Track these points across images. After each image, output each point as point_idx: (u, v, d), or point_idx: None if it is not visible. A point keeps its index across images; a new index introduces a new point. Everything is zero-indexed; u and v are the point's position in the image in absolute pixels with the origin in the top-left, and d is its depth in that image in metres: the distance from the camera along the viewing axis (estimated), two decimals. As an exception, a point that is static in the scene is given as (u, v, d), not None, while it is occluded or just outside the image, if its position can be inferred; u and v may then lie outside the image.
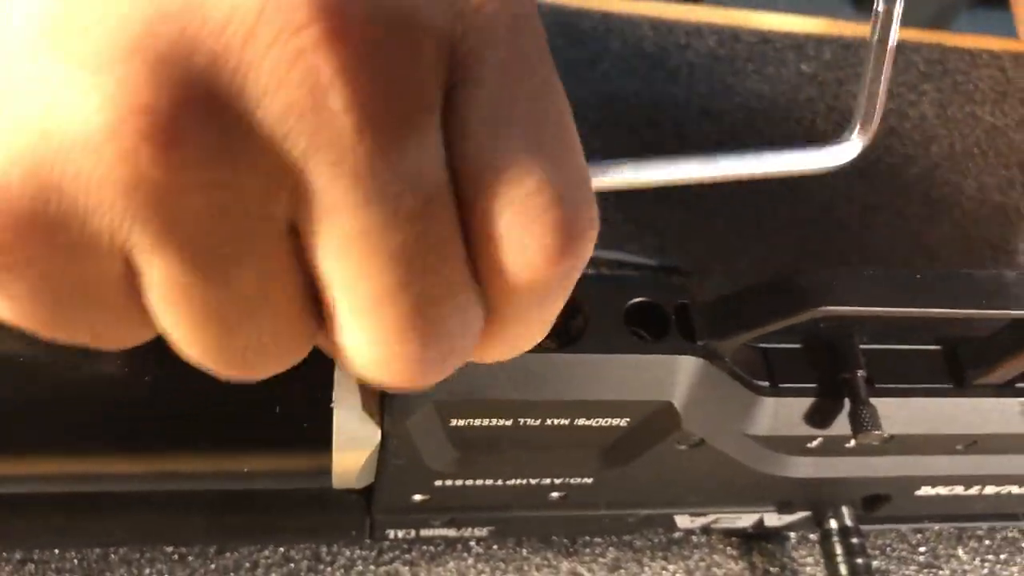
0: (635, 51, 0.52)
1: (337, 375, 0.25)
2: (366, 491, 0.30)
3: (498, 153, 0.17)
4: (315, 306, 0.19)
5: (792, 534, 0.37)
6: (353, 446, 0.26)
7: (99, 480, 0.26)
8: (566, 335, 0.26)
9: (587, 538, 0.36)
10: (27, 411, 0.24)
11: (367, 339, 0.18)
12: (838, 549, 0.33)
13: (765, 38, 0.54)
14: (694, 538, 0.37)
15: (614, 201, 0.45)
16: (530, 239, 0.18)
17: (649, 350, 0.25)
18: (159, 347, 0.25)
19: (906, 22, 0.27)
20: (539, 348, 0.24)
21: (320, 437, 0.26)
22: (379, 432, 0.26)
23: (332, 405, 0.26)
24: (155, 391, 0.25)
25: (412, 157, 0.17)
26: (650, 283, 0.27)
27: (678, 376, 0.25)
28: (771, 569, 0.36)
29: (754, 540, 0.37)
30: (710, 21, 0.54)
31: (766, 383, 0.28)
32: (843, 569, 0.33)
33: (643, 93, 0.50)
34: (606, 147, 0.47)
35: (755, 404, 0.28)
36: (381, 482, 0.28)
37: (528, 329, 0.20)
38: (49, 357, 0.25)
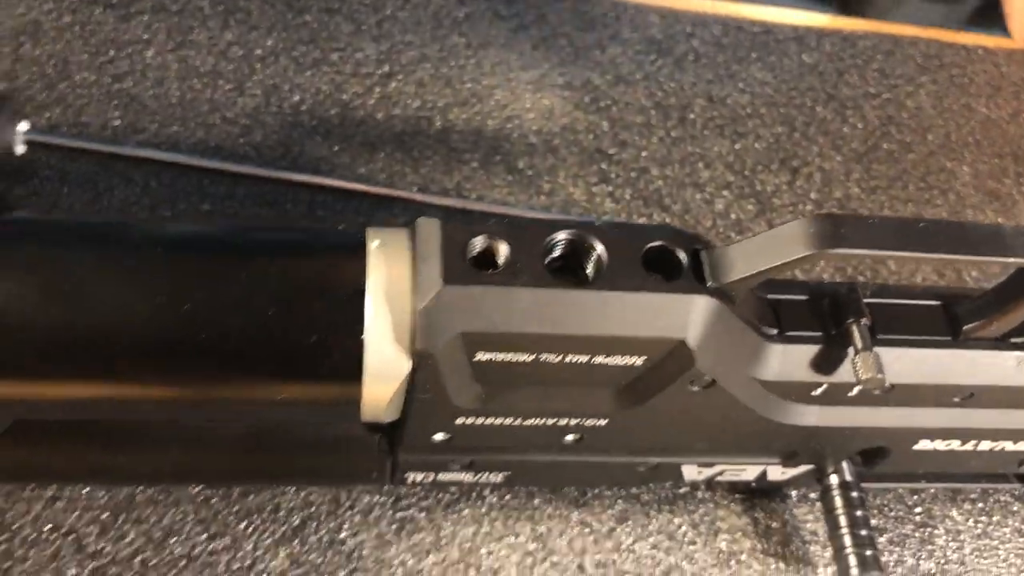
0: (643, 37, 0.53)
1: (368, 306, 0.27)
2: (389, 433, 0.31)
3: None
4: None
5: (793, 493, 0.39)
6: (383, 376, 0.27)
7: (134, 406, 0.27)
8: (586, 275, 0.27)
9: (596, 491, 0.37)
10: (66, 336, 0.25)
11: None
12: (838, 503, 0.35)
13: (768, 29, 0.56)
14: (698, 494, 0.38)
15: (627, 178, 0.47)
16: None
17: (664, 289, 0.27)
18: (197, 277, 0.26)
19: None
20: (561, 285, 0.26)
21: (351, 368, 0.27)
22: (409, 363, 0.27)
23: (363, 337, 0.27)
24: (191, 320, 0.26)
25: None
26: (666, 231, 0.28)
27: (692, 315, 0.27)
28: (772, 525, 0.38)
29: (756, 497, 0.38)
30: (715, 12, 0.56)
31: (774, 331, 0.30)
32: (843, 521, 0.34)
33: (651, 77, 0.52)
34: (613, 127, 0.49)
35: (764, 349, 0.29)
36: (406, 419, 0.29)
37: None
38: (90, 286, 0.26)
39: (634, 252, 0.27)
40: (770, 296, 0.31)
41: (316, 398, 0.28)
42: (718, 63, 0.54)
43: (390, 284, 0.27)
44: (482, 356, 0.27)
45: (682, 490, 0.38)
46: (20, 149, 0.39)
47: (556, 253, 0.27)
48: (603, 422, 0.30)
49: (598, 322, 0.27)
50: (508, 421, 0.30)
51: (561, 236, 0.27)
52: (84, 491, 0.34)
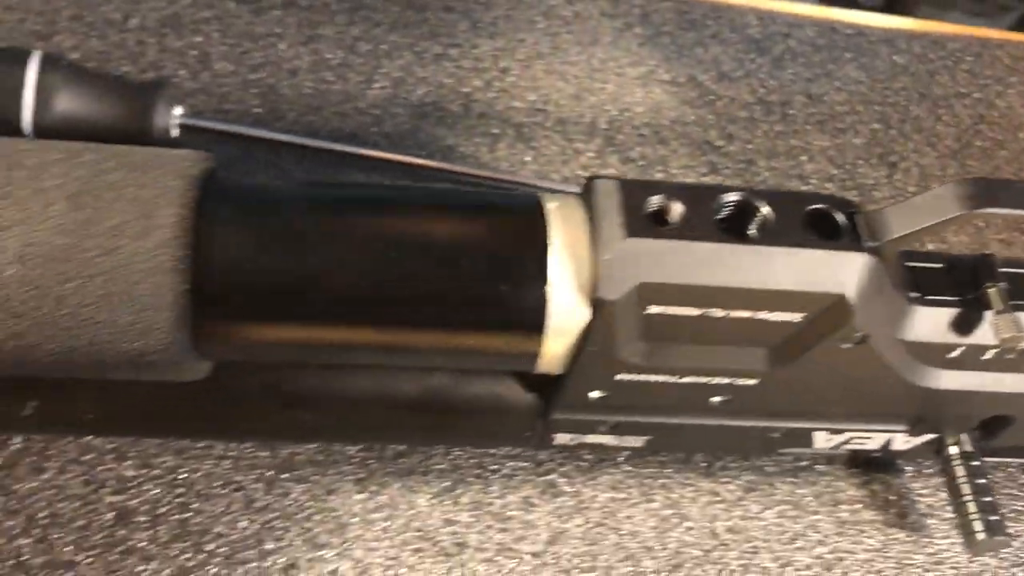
0: (743, 37, 0.55)
1: (552, 260, 0.29)
2: (546, 394, 0.34)
3: None
4: None
5: (908, 469, 0.40)
6: (564, 326, 0.29)
7: (344, 350, 0.29)
8: (752, 233, 0.29)
9: (723, 463, 0.39)
10: (285, 282, 0.28)
11: None
12: (960, 471, 0.36)
13: (860, 31, 0.58)
14: (818, 467, 0.40)
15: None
16: None
17: (826, 247, 0.29)
18: (397, 233, 0.28)
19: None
20: (732, 240, 0.28)
21: (535, 318, 0.29)
22: (588, 313, 0.29)
23: (547, 288, 0.29)
24: (392, 271, 0.29)
25: None
26: (823, 197, 0.30)
27: (851, 272, 0.29)
28: (890, 497, 0.39)
29: (874, 471, 0.40)
30: (809, 14, 0.58)
31: (916, 295, 0.32)
32: (966, 488, 0.36)
33: (752, 74, 0.54)
34: (720, 120, 0.51)
35: (908, 310, 0.31)
36: (569, 374, 0.31)
37: None
38: (307, 238, 0.28)
39: (796, 213, 0.29)
40: (909, 264, 0.33)
41: (501, 347, 0.30)
42: (814, 62, 0.56)
43: (570, 240, 0.29)
44: (654, 309, 0.29)
45: (803, 463, 0.40)
46: (175, 132, 0.41)
47: (725, 212, 0.29)
48: (752, 382, 0.32)
49: (764, 276, 0.29)
50: (665, 379, 0.32)
51: (730, 197, 0.29)
52: (249, 451, 0.36)
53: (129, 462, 0.35)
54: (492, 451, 0.38)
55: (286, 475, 0.36)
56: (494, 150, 0.47)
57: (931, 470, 0.40)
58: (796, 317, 0.30)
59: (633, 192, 0.29)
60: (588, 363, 0.30)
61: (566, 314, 0.29)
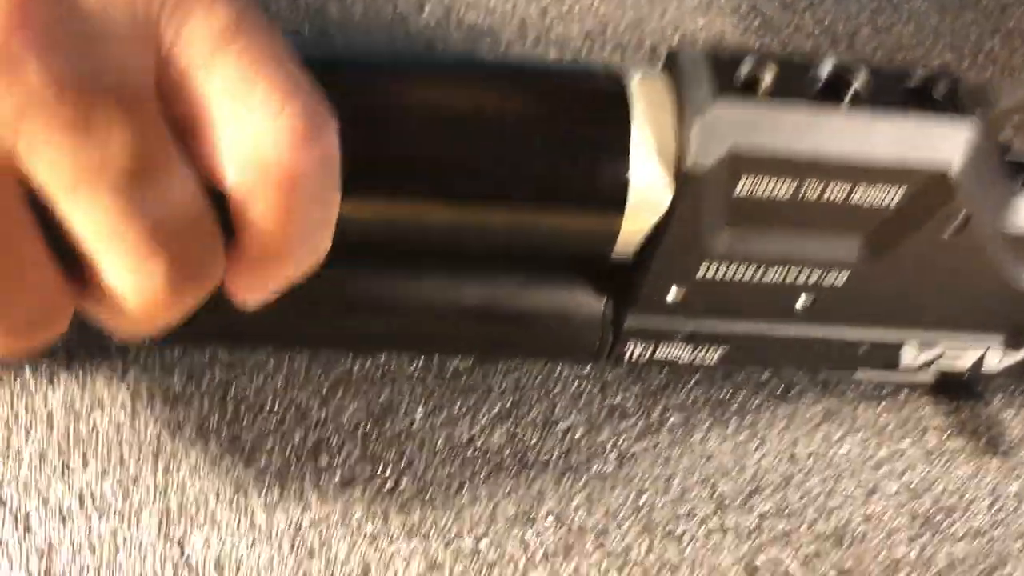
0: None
1: (635, 130, 0.27)
2: (617, 299, 0.31)
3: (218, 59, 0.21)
4: (70, 274, 0.21)
5: (995, 401, 0.38)
6: (649, 198, 0.27)
7: (422, 227, 0.27)
8: (852, 99, 0.27)
9: (801, 387, 0.37)
10: (365, 156, 0.26)
11: (124, 267, 0.21)
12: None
13: (927, -35, 0.56)
14: (901, 395, 0.37)
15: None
16: (277, 124, 0.21)
17: (930, 114, 0.27)
18: (476, 105, 0.26)
19: None
20: (829, 105, 0.25)
21: (617, 190, 0.27)
22: (672, 187, 0.27)
23: (628, 159, 0.27)
24: (472, 144, 0.27)
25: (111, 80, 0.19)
26: (924, 68, 0.28)
27: (955, 141, 0.27)
28: (979, 426, 0.37)
29: (961, 400, 0.37)
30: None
31: (1020, 185, 0.29)
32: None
33: (816, 5, 0.51)
34: (785, 49, 0.49)
35: (1013, 199, 0.29)
36: (648, 266, 0.29)
37: (287, 246, 0.23)
38: (386, 111, 0.26)
39: (896, 82, 0.28)
40: (1010, 158, 0.30)
41: (579, 224, 0.28)
42: (882, -6, 0.53)
43: (654, 111, 0.27)
44: (744, 185, 0.27)
45: (885, 391, 0.37)
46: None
47: (821, 81, 0.27)
48: (843, 278, 0.30)
49: (863, 145, 0.27)
50: (749, 274, 0.29)
51: (826, 65, 0.27)
52: (302, 367, 0.34)
53: (176, 377, 0.33)
54: (556, 372, 0.36)
55: (341, 391, 0.34)
56: (551, 75, 0.45)
57: (1021, 399, 0.38)
58: (895, 195, 0.28)
59: (722, 59, 0.27)
60: (671, 250, 0.28)
61: (649, 190, 0.27)
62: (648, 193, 0.27)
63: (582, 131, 0.27)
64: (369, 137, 0.26)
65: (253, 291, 0.24)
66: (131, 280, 0.21)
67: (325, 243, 0.24)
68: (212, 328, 0.32)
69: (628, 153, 0.27)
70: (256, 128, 0.21)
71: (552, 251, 0.30)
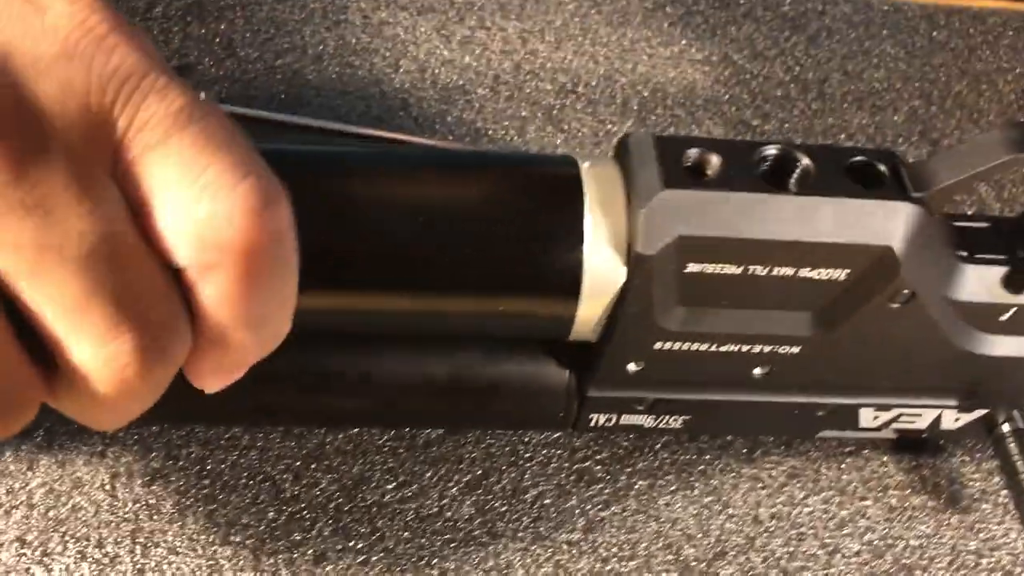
0: (776, 15, 0.54)
1: (587, 217, 0.28)
2: (579, 371, 0.32)
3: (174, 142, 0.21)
4: (38, 363, 0.22)
5: (958, 453, 0.39)
6: (601, 285, 0.28)
7: (373, 316, 0.28)
8: (795, 183, 0.28)
9: (765, 448, 0.38)
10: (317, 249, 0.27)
11: (91, 344, 0.21)
12: (1014, 448, 0.35)
13: (897, 7, 0.56)
14: (865, 452, 0.38)
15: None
16: (231, 199, 0.21)
17: (870, 196, 0.28)
18: (426, 197, 0.27)
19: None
20: (773, 191, 0.27)
21: (570, 278, 0.28)
22: (625, 271, 0.28)
23: (583, 246, 0.28)
24: (422, 235, 0.28)
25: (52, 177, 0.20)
26: (864, 150, 0.29)
27: (897, 222, 0.28)
28: (941, 482, 0.38)
29: (922, 456, 0.38)
30: (843, -9, 0.56)
31: (964, 253, 0.30)
32: (1021, 466, 0.34)
33: (787, 52, 0.52)
34: (755, 99, 0.50)
35: (957, 268, 0.30)
36: (605, 345, 0.30)
37: (245, 326, 0.23)
38: (337, 204, 0.27)
39: (838, 165, 0.28)
40: (955, 224, 0.31)
41: (536, 309, 0.29)
42: (851, 39, 0.54)
43: (605, 198, 0.28)
44: (693, 267, 0.28)
45: (848, 448, 0.38)
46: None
47: (764, 166, 0.28)
48: (796, 350, 0.31)
49: (807, 228, 0.28)
50: (704, 347, 0.30)
51: (769, 150, 0.28)
52: (276, 441, 0.35)
53: (155, 453, 0.34)
54: (525, 439, 0.37)
55: (314, 465, 0.35)
56: (524, 133, 0.46)
57: (981, 454, 0.39)
58: (841, 274, 0.29)
59: (669, 145, 0.28)
60: (626, 329, 0.29)
61: (602, 274, 0.28)
62: (601, 278, 0.28)
63: (535, 220, 0.28)
64: (325, 231, 0.27)
65: (213, 375, 0.25)
66: (99, 356, 0.21)
67: (284, 324, 0.24)
68: (182, 409, 0.33)
69: (581, 241, 0.28)
70: (210, 205, 0.21)
71: (510, 335, 0.31)
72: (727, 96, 0.49)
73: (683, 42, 0.52)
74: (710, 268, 0.28)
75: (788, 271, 0.29)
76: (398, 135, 0.42)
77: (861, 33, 0.55)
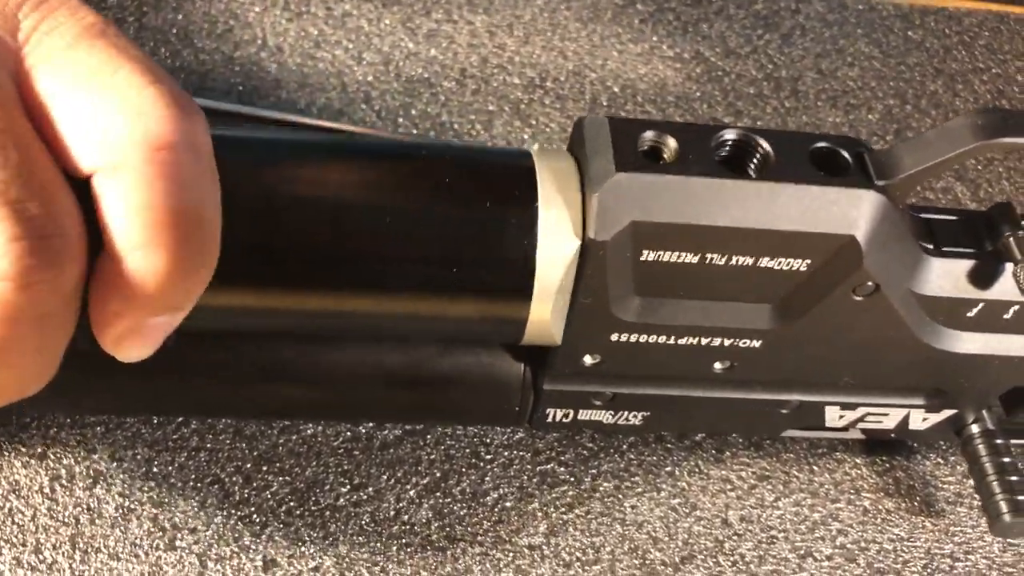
0: (749, 12, 0.53)
1: (540, 206, 0.26)
2: (534, 364, 0.31)
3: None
4: None
5: (931, 456, 0.38)
6: (553, 280, 0.27)
7: (308, 316, 0.27)
8: (755, 169, 0.27)
9: (734, 449, 0.37)
10: (261, 243, 0.25)
11: None
12: (983, 450, 0.34)
13: (871, 6, 0.56)
14: (837, 454, 0.37)
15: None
16: (144, 96, 0.20)
17: (834, 183, 0.27)
18: (375, 190, 0.26)
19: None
20: (731, 176, 0.26)
21: (522, 273, 0.27)
22: (576, 258, 0.27)
23: (536, 233, 0.27)
24: (355, 226, 0.26)
25: None
26: (828, 136, 0.28)
27: (860, 211, 0.27)
28: (914, 485, 0.37)
29: (895, 459, 0.37)
30: (818, -11, 0.56)
31: (930, 246, 0.29)
32: (989, 468, 0.33)
33: (760, 51, 0.51)
34: (727, 97, 0.49)
35: (922, 261, 0.29)
36: (564, 333, 0.29)
37: (155, 246, 0.20)
38: (283, 195, 0.26)
39: (800, 151, 0.27)
40: (923, 216, 0.30)
41: (487, 310, 0.28)
42: (825, 38, 0.53)
43: (558, 186, 0.27)
44: (648, 255, 0.27)
45: (820, 450, 0.37)
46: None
47: (723, 151, 0.27)
48: (757, 344, 0.30)
49: (767, 215, 0.26)
50: (662, 340, 0.29)
51: (728, 135, 0.27)
52: (226, 443, 0.34)
53: (98, 455, 0.33)
54: (487, 440, 0.35)
55: (265, 467, 0.34)
56: (490, 128, 0.45)
57: (956, 457, 0.38)
58: (802, 264, 0.27)
59: (624, 128, 0.27)
60: (581, 320, 0.28)
61: (556, 266, 0.27)
62: (553, 271, 0.27)
63: (485, 211, 0.27)
64: (258, 222, 0.26)
65: (124, 328, 0.21)
66: None
67: (202, 264, 0.21)
68: (125, 397, 0.32)
69: (535, 231, 0.27)
70: (119, 103, 0.20)
71: (462, 337, 0.29)
72: (699, 93, 0.48)
73: (654, 39, 0.51)
74: (666, 256, 0.27)
75: (747, 260, 0.27)
76: (359, 129, 0.41)
77: (835, 32, 0.54)
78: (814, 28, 0.54)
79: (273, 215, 0.26)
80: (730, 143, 0.27)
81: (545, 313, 0.28)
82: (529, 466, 0.35)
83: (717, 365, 0.31)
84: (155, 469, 0.33)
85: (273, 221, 0.26)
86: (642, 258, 0.27)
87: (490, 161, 0.28)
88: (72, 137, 0.20)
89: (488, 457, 0.35)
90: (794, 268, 0.28)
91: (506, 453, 0.35)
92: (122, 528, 0.32)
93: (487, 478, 0.34)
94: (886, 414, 0.34)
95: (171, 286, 0.21)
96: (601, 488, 0.35)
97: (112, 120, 0.20)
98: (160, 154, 0.20)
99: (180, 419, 0.34)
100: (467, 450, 0.35)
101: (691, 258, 0.27)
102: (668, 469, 0.36)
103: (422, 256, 0.27)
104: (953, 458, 0.38)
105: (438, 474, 0.34)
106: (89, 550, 0.31)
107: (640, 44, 0.50)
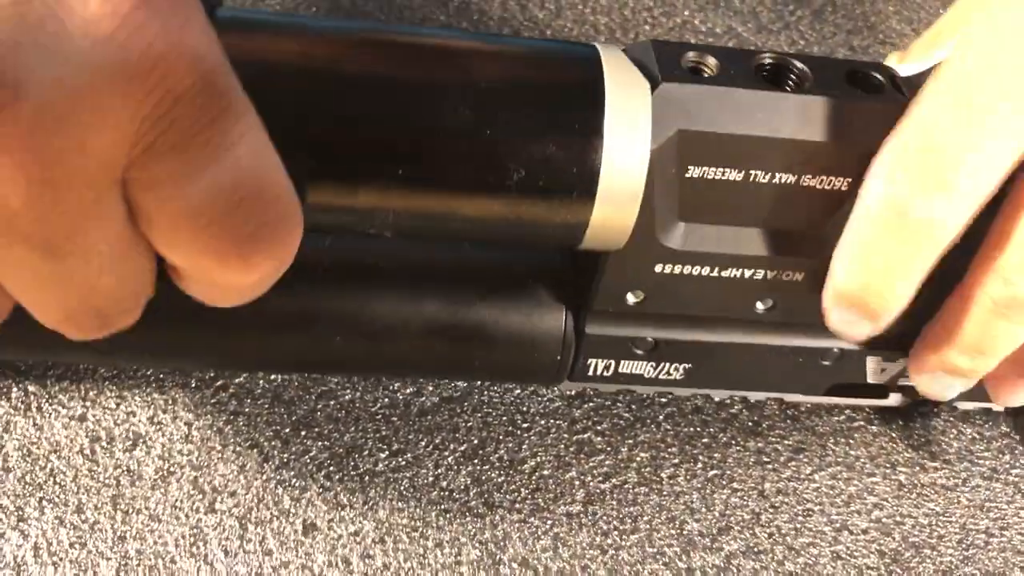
0: (781, -12, 0.53)
1: (608, 107, 0.26)
2: (575, 310, 0.31)
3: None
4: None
5: (966, 434, 0.38)
6: (619, 178, 0.27)
7: (373, 214, 0.26)
8: (793, 86, 0.27)
9: (771, 421, 0.36)
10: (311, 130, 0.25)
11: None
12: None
13: (903, -17, 0.55)
14: (873, 427, 0.37)
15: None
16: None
17: (870, 99, 0.27)
18: (426, 76, 0.25)
19: None
20: (773, 89, 0.26)
21: (588, 175, 0.26)
22: (647, 164, 0.26)
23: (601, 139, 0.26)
24: (417, 116, 0.26)
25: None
26: (862, 62, 0.28)
27: None
28: (950, 460, 0.37)
29: (931, 432, 0.37)
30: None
31: None
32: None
33: (792, 27, 0.51)
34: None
35: None
36: (604, 268, 0.29)
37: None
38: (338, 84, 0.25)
39: (836, 72, 0.28)
40: None
41: (542, 218, 0.27)
42: (856, 15, 0.53)
43: (625, 80, 0.27)
44: (693, 171, 0.27)
45: (856, 423, 0.37)
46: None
47: (763, 70, 0.28)
48: (799, 276, 0.30)
49: (807, 127, 0.27)
50: (705, 271, 0.29)
51: (767, 57, 0.28)
52: (265, 407, 0.34)
53: (137, 418, 0.33)
54: (523, 408, 0.35)
55: (304, 432, 0.34)
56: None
57: (991, 432, 0.38)
58: (843, 183, 0.28)
59: (667, 48, 0.27)
60: (626, 248, 0.28)
61: (624, 165, 0.26)
62: (621, 168, 0.27)
63: (551, 106, 0.26)
64: (316, 110, 0.25)
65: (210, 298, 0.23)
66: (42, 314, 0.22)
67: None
68: (168, 349, 0.31)
69: (600, 134, 0.26)
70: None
71: (523, 232, 0.28)
72: (731, 68, 0.48)
73: (686, 13, 0.50)
74: (711, 172, 0.27)
75: (790, 178, 0.28)
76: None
77: (867, 9, 0.54)
78: (845, 5, 0.53)
79: (340, 110, 0.25)
80: (768, 63, 0.28)
81: (615, 202, 0.27)
82: (566, 435, 0.35)
83: (759, 305, 0.31)
84: (194, 433, 0.33)
85: (340, 116, 0.25)
86: (687, 174, 0.27)
87: (556, 51, 0.28)
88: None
89: (525, 425, 0.35)
90: (835, 187, 0.28)
91: (543, 422, 0.35)
92: (162, 490, 0.32)
93: (524, 446, 0.34)
94: None
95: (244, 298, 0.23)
96: (638, 458, 0.35)
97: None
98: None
99: (218, 383, 0.34)
100: (504, 418, 0.35)
101: (735, 175, 0.27)
102: (704, 441, 0.36)
103: (490, 139, 0.26)
104: (989, 433, 0.38)
105: (476, 441, 0.34)
106: (130, 511, 0.31)
107: (672, 19, 0.50)
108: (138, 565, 0.30)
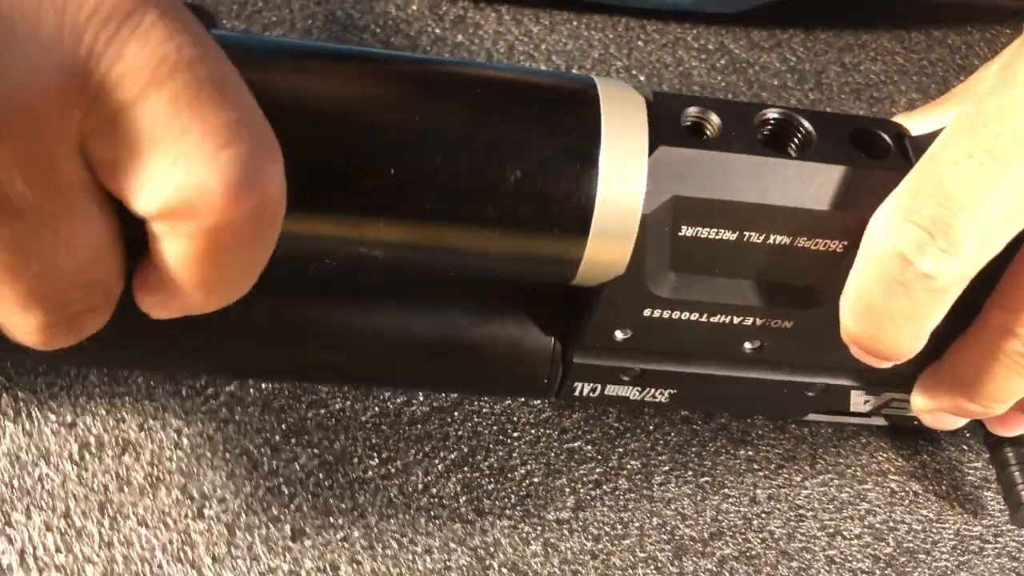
0: (772, 6, 0.53)
1: (603, 145, 0.26)
2: (564, 337, 0.31)
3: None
4: None
5: (954, 445, 0.37)
6: (612, 227, 0.26)
7: (369, 244, 0.26)
8: (796, 148, 0.27)
9: (760, 431, 0.36)
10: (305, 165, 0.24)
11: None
12: (1005, 441, 0.34)
13: (894, 2, 0.56)
14: (862, 438, 0.37)
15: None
16: (210, 170, 0.20)
17: (875, 165, 0.27)
18: (427, 113, 0.25)
19: None
20: (773, 155, 0.25)
21: (576, 221, 0.26)
22: (639, 218, 0.26)
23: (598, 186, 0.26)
24: (420, 158, 0.25)
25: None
26: (869, 119, 0.28)
27: None
28: (940, 469, 0.37)
29: (920, 443, 0.37)
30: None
31: None
32: (1012, 458, 0.33)
33: (784, 44, 0.51)
34: (751, 88, 0.49)
35: None
36: (593, 308, 0.29)
37: (201, 288, 0.22)
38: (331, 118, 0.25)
39: (841, 132, 0.27)
40: None
41: (534, 253, 0.27)
42: (847, 33, 0.53)
43: (624, 136, 0.26)
44: (687, 230, 0.27)
45: (845, 434, 0.37)
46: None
47: (765, 129, 0.27)
48: (788, 324, 0.29)
49: (807, 195, 0.26)
50: (694, 317, 0.29)
51: (771, 113, 0.27)
52: (255, 415, 0.34)
53: (127, 424, 0.33)
54: (513, 418, 0.35)
55: (294, 440, 0.34)
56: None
57: (979, 445, 0.38)
58: (839, 246, 0.27)
59: (667, 102, 0.27)
60: (615, 293, 0.28)
61: (617, 217, 0.26)
62: (614, 219, 0.26)
63: (549, 150, 0.26)
64: (306, 141, 0.24)
65: (158, 312, 0.24)
66: (11, 323, 0.22)
67: (245, 287, 0.23)
68: (152, 355, 0.31)
69: (596, 179, 0.26)
70: (184, 176, 0.20)
71: (513, 267, 0.28)
72: (723, 84, 0.49)
73: (678, 30, 0.51)
74: (704, 232, 0.27)
75: (785, 240, 0.27)
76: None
77: (859, 27, 0.54)
78: (837, 23, 0.54)
79: (328, 137, 0.25)
80: (772, 122, 0.27)
81: (605, 250, 0.27)
82: (556, 443, 0.35)
83: (747, 345, 0.31)
84: (184, 440, 0.33)
85: (328, 144, 0.25)
86: (680, 233, 0.27)
87: (553, 85, 0.27)
88: (136, 196, 0.20)
89: (515, 434, 0.35)
90: (831, 249, 0.28)
91: (533, 431, 0.35)
92: (151, 496, 0.32)
93: (514, 454, 0.34)
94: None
95: (206, 308, 0.23)
96: (628, 466, 0.35)
97: (174, 195, 0.20)
98: (222, 232, 0.21)
99: (209, 391, 0.34)
100: (494, 427, 0.35)
101: (729, 235, 0.27)
102: (695, 449, 0.36)
103: (482, 175, 0.25)
104: (978, 445, 0.38)
105: (466, 449, 0.34)
106: (118, 517, 0.31)
107: (665, 35, 0.50)
108: (124, 571, 0.30)
